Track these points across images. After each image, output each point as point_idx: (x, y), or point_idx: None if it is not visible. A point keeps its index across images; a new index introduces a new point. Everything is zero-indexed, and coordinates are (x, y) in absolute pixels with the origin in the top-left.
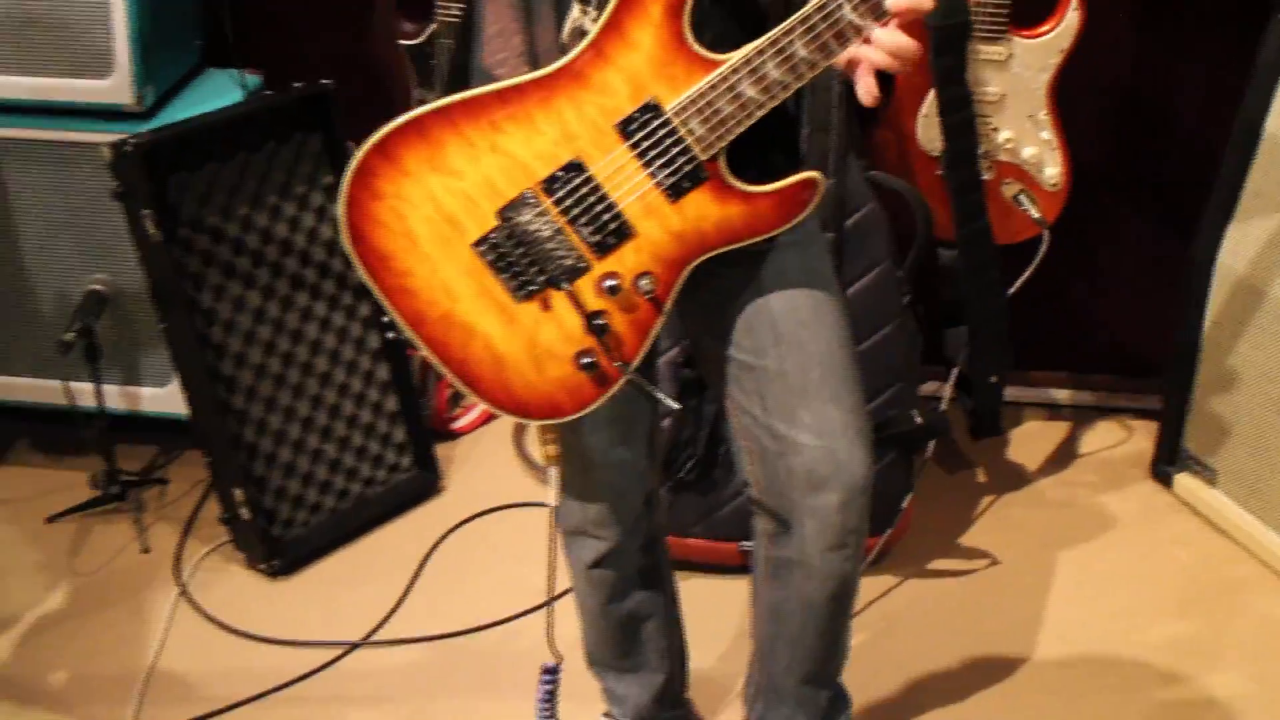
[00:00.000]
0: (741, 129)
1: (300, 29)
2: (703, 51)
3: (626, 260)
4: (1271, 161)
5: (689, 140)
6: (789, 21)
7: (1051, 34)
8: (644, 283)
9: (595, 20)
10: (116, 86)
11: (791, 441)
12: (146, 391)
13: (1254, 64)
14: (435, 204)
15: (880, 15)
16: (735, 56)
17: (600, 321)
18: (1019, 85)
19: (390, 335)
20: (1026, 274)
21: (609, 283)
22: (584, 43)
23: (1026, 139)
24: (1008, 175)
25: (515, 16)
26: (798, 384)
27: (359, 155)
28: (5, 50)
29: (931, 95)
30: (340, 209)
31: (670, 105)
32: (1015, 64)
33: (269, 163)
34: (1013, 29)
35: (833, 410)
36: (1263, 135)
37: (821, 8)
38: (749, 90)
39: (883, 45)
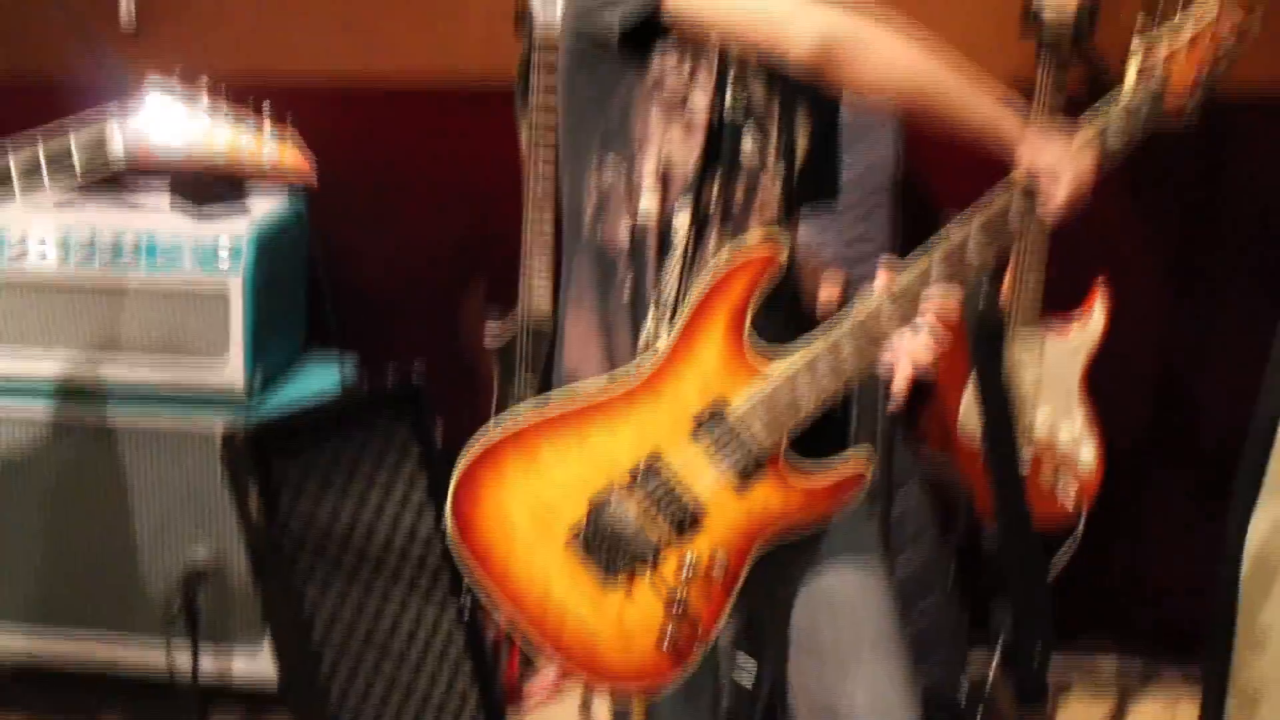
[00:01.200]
0: (799, 425)
1: (395, 315)
2: (763, 358)
3: (701, 545)
4: None
5: (753, 436)
6: (838, 329)
7: (1081, 329)
8: (716, 566)
9: (668, 330)
10: (229, 374)
11: (846, 712)
12: (239, 663)
13: (1269, 358)
14: (532, 501)
15: (914, 319)
16: (792, 360)
17: (680, 601)
18: (1053, 376)
19: (466, 611)
20: (1066, 556)
21: (686, 566)
22: (660, 353)
23: (1062, 426)
24: (1044, 461)
25: (596, 326)
26: (851, 656)
27: (464, 463)
28: (126, 340)
29: (971, 385)
30: (448, 511)
31: (736, 405)
32: (1048, 356)
33: (361, 449)
34: (1046, 319)
35: (885, 683)
36: None
37: (865, 314)
38: (805, 389)
39: (914, 346)
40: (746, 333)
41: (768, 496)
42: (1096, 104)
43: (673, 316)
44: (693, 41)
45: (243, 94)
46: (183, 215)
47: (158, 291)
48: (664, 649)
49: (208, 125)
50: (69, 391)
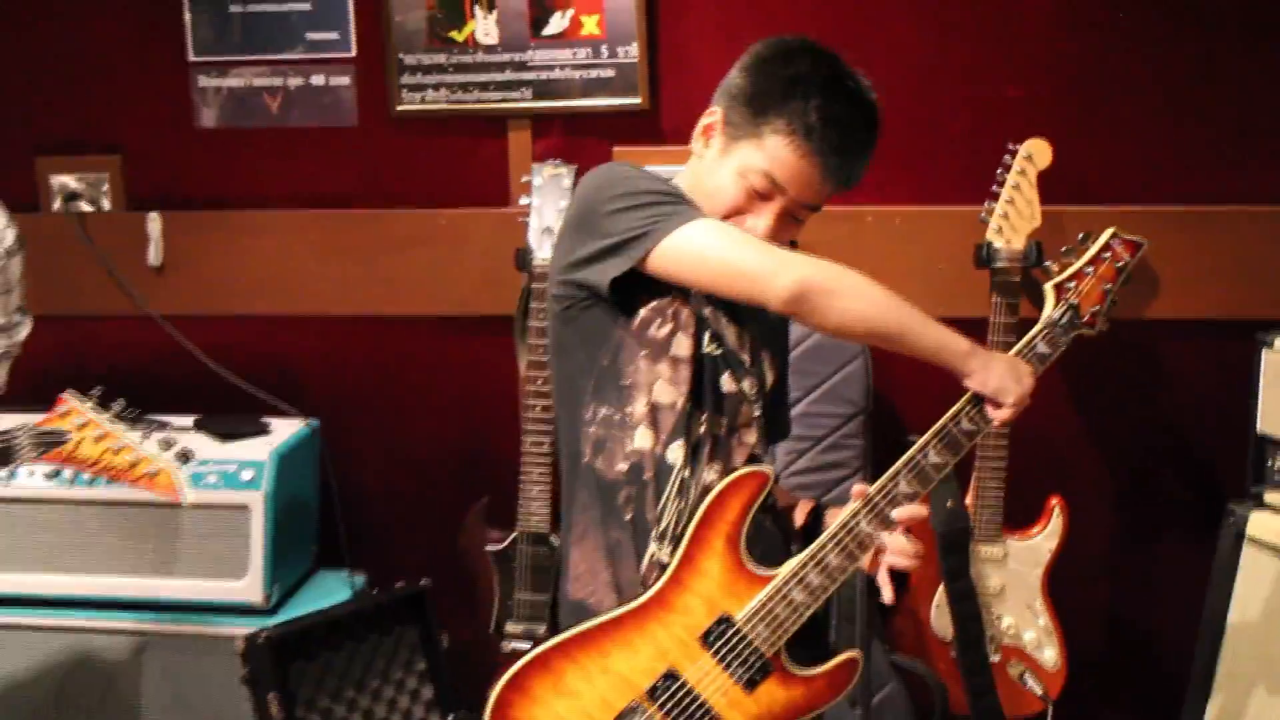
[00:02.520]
0: (796, 627)
1: (401, 535)
2: (759, 570)
3: None
4: (1237, 649)
5: (757, 641)
6: (822, 539)
7: (1041, 535)
8: None
9: (670, 554)
10: (249, 587)
11: None
12: None
13: (1211, 564)
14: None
15: (889, 525)
16: (784, 570)
17: None
18: (1016, 579)
19: None
20: None
21: None
22: (665, 576)
23: (1026, 625)
24: (1011, 657)
25: (602, 557)
26: None
27: (497, 690)
28: (153, 555)
29: (941, 589)
30: None
31: (739, 616)
32: (1011, 561)
33: (373, 652)
34: (1007, 531)
35: None
36: (1226, 628)
37: (844, 525)
38: (798, 595)
39: (893, 548)
40: (743, 549)
41: (774, 694)
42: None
43: (674, 541)
44: (676, 289)
45: (257, 323)
46: (208, 437)
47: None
48: None
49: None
50: (96, 604)
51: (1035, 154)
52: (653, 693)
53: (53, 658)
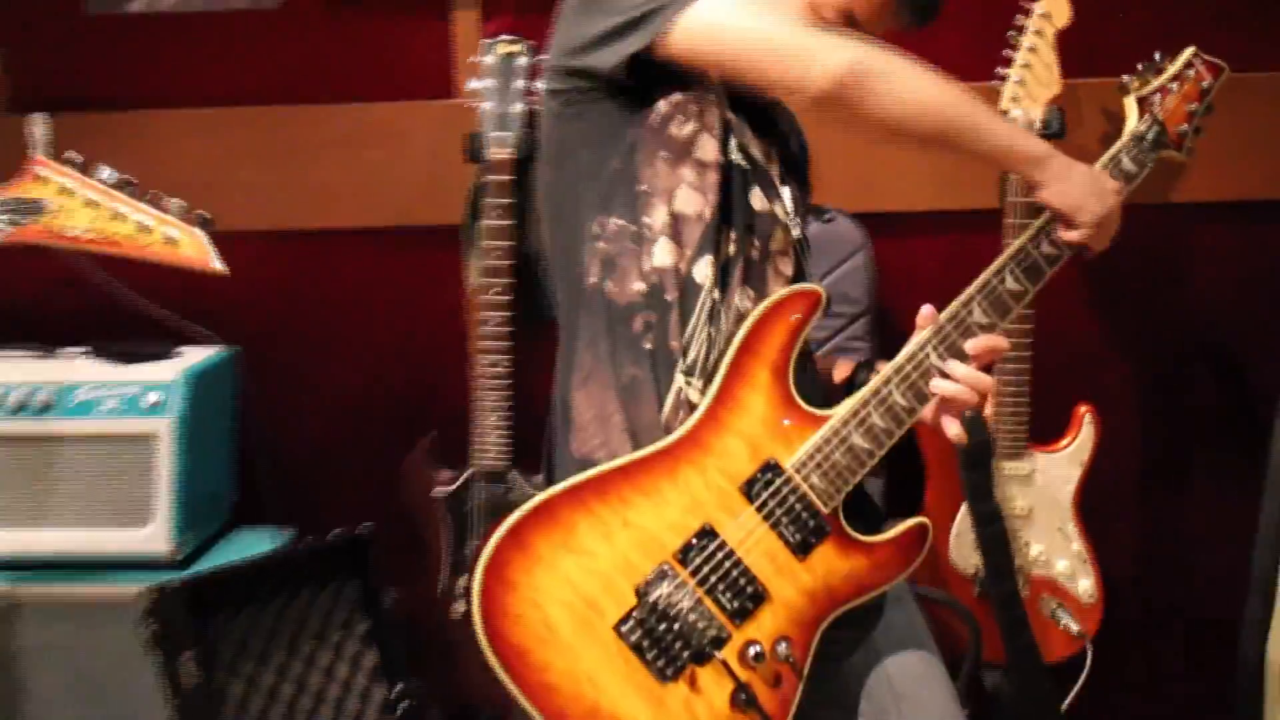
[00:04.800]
0: (857, 480)
1: (333, 482)
2: (811, 409)
3: (765, 626)
4: None
5: (811, 495)
6: (885, 372)
7: (1071, 447)
8: (782, 648)
9: (701, 390)
10: (154, 536)
11: None
12: None
13: (1264, 470)
14: (572, 588)
15: (961, 358)
16: (842, 409)
17: (748, 694)
18: (1045, 499)
19: (402, 707)
20: (1075, 689)
21: (752, 650)
22: (700, 411)
23: (1058, 552)
24: (1042, 591)
25: (614, 398)
26: None
27: (490, 546)
28: (29, 501)
29: (962, 514)
30: (474, 605)
31: (789, 463)
32: (1039, 478)
33: (307, 609)
34: (1033, 444)
35: None
36: None
37: (911, 358)
38: (860, 440)
39: (966, 381)
40: (791, 382)
41: (831, 561)
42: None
43: (705, 375)
44: (696, 83)
45: None
46: (105, 362)
47: (77, 437)
48: None
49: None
50: None
51: (1053, 11)
52: (685, 553)
53: None
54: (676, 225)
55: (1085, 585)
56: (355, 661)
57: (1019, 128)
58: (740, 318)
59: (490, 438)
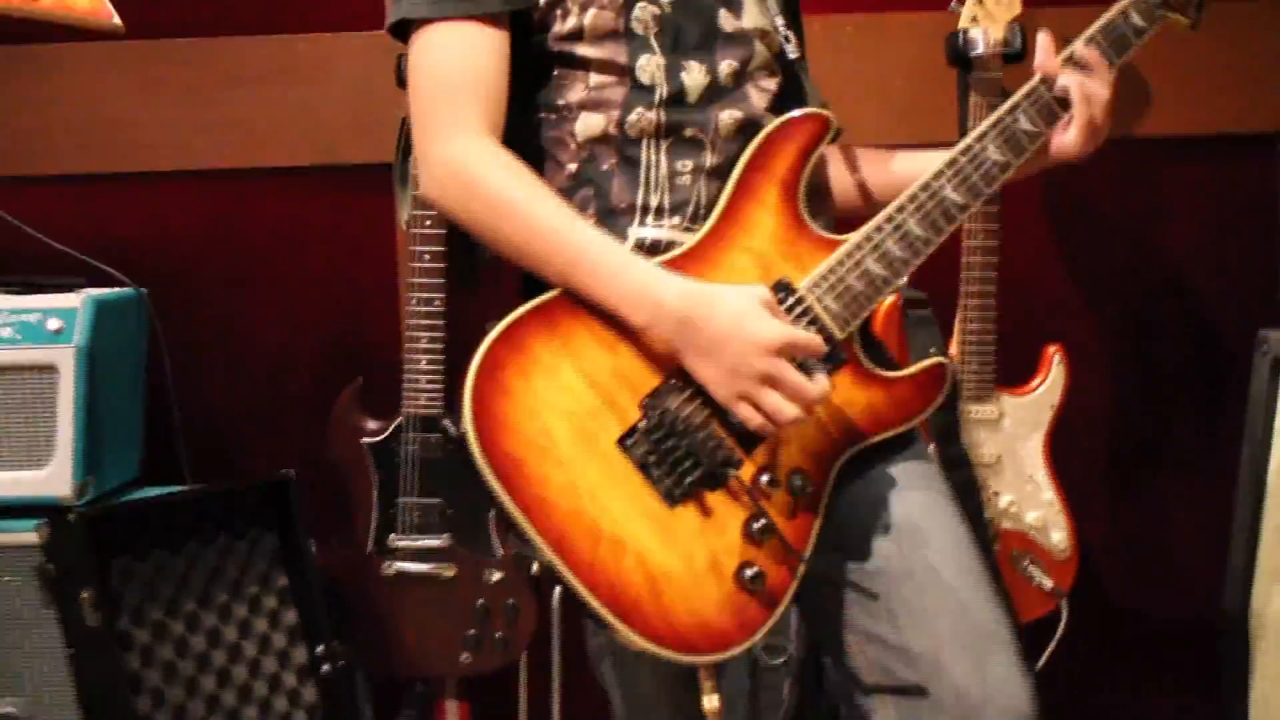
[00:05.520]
0: (873, 305)
1: (255, 440)
2: (823, 232)
3: (778, 455)
4: None
5: (826, 318)
6: (899, 200)
7: (1041, 389)
8: (797, 481)
9: (675, 228)
10: (54, 477)
11: (932, 663)
12: None
13: (1245, 410)
14: (573, 396)
15: (976, 193)
16: (856, 235)
17: (761, 523)
18: (1014, 446)
19: (325, 670)
20: (1050, 649)
21: (765, 477)
22: (704, 229)
23: (1029, 503)
24: (1013, 544)
25: None
26: (929, 584)
27: (484, 347)
28: None
29: None
30: (466, 409)
31: (803, 283)
32: (1008, 422)
33: (222, 557)
34: (1001, 387)
35: (978, 617)
36: (1269, 479)
37: (925, 186)
38: (875, 267)
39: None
40: (802, 203)
41: (848, 391)
42: None
43: (679, 213)
44: None
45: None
46: (5, 293)
47: None
48: (745, 588)
49: None
50: None
51: None
52: (684, 373)
53: None
54: (592, 94)
55: (1058, 538)
56: (274, 618)
57: (654, 288)
58: (725, 128)
59: (421, 382)
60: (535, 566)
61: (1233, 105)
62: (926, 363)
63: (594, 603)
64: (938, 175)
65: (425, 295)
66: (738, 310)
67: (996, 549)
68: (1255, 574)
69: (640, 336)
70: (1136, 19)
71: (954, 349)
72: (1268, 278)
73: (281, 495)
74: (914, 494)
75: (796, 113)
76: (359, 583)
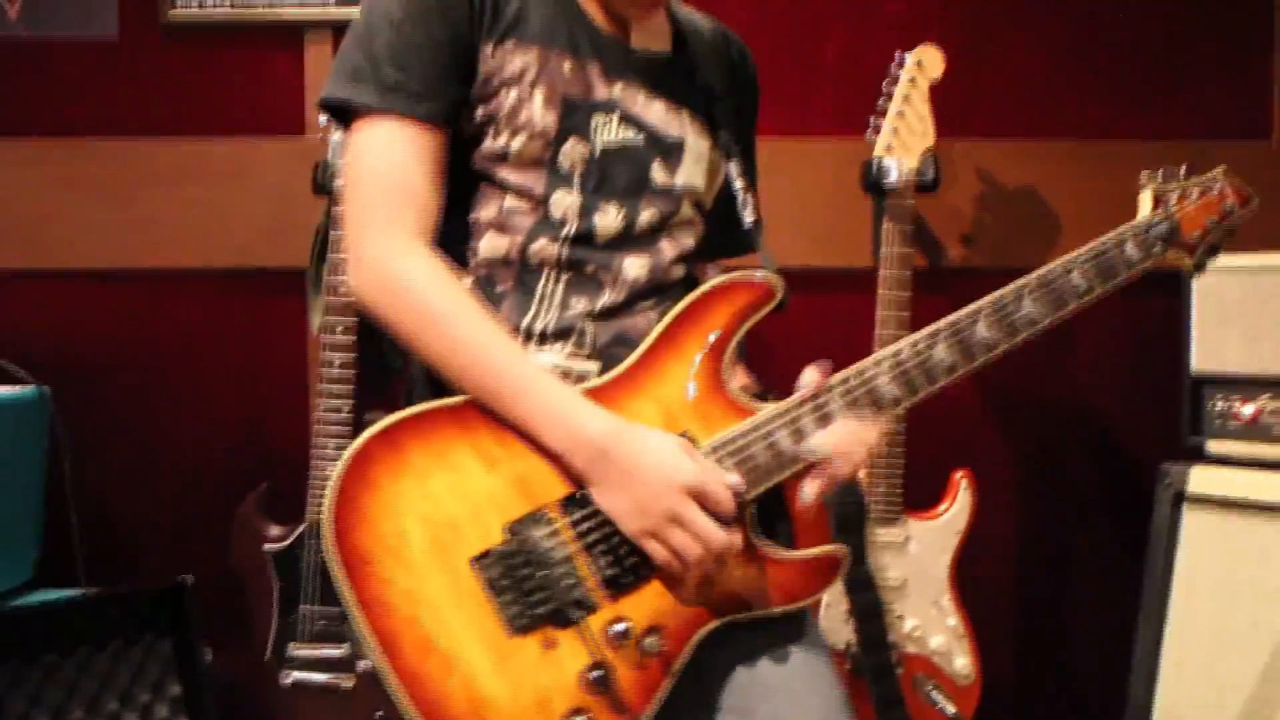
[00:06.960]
0: (775, 481)
1: (157, 544)
2: (740, 397)
3: (640, 608)
4: (1185, 630)
5: None
6: (831, 381)
7: (948, 514)
8: (652, 639)
9: (584, 359)
10: None
11: None
12: None
13: (1146, 538)
14: (436, 504)
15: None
16: (773, 407)
17: (601, 673)
18: (920, 570)
19: None
20: None
21: (617, 628)
22: (622, 367)
23: (933, 627)
24: (917, 669)
25: None
26: None
27: (360, 439)
28: None
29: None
30: (329, 496)
31: (705, 444)
32: (914, 546)
33: (114, 664)
34: (908, 511)
35: None
36: (1170, 608)
37: (860, 371)
38: (785, 443)
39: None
40: (725, 370)
41: (732, 563)
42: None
43: (579, 343)
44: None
45: None
46: None
47: None
48: None
49: None
50: None
51: (926, 61)
52: (569, 503)
53: None
54: (502, 216)
55: (961, 663)
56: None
57: (575, 415)
58: (635, 284)
59: (327, 489)
60: None
61: None
62: (819, 550)
63: (412, 712)
64: (877, 361)
65: (334, 402)
66: (658, 449)
67: (900, 673)
68: (1153, 705)
69: (549, 460)
70: (1132, 250)
71: (862, 473)
72: (1173, 410)
73: (177, 601)
74: (792, 649)
75: (738, 275)
76: (256, 691)
